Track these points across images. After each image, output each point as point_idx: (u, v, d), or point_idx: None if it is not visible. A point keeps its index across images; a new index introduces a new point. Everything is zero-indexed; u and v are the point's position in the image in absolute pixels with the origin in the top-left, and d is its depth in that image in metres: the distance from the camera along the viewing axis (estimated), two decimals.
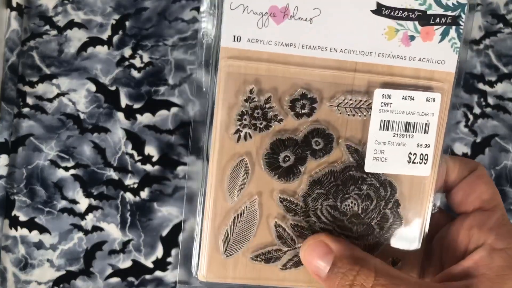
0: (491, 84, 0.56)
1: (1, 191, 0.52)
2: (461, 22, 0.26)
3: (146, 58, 0.56)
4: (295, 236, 0.27)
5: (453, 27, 0.26)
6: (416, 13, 0.25)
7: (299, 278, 0.27)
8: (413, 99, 0.26)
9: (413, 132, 0.26)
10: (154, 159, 0.54)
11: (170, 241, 0.53)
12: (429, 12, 0.25)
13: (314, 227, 0.27)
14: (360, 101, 0.26)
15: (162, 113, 0.55)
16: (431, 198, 0.27)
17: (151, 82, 0.55)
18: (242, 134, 0.26)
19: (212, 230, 0.27)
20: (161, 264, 0.53)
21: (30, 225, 0.53)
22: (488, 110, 0.55)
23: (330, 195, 0.26)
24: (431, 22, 0.25)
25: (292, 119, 0.26)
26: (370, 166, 0.26)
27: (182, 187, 0.54)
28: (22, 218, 0.53)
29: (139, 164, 0.54)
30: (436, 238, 0.28)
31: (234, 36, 0.25)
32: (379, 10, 0.25)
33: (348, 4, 0.25)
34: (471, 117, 0.55)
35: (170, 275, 0.53)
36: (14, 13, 0.55)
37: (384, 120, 0.26)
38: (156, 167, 0.54)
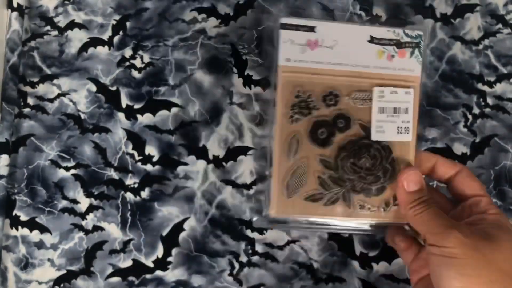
0: (490, 84, 0.56)
1: (2, 191, 0.52)
2: (421, 45, 0.42)
3: (146, 59, 0.56)
4: (331, 183, 0.41)
5: (416, 49, 0.42)
6: (394, 41, 0.41)
7: (334, 213, 0.41)
8: (397, 93, 0.41)
9: (398, 113, 0.41)
10: (155, 159, 0.54)
11: (170, 241, 0.53)
12: (401, 40, 0.41)
13: (342, 177, 0.41)
14: (365, 95, 0.41)
15: (163, 113, 0.55)
16: (413, 154, 0.42)
17: (152, 83, 0.55)
18: (294, 118, 0.41)
19: (278, 181, 0.40)
20: (161, 264, 0.53)
21: (31, 224, 0.53)
22: (487, 110, 0.56)
23: (351, 156, 0.41)
24: (403, 46, 0.41)
25: (324, 108, 0.41)
26: (374, 136, 0.41)
27: (183, 187, 0.54)
28: (23, 218, 0.53)
29: (139, 164, 0.54)
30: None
31: (286, 59, 0.40)
32: (372, 40, 0.41)
33: (354, 37, 0.41)
34: (470, 117, 0.55)
35: (171, 275, 0.53)
36: (15, 14, 0.55)
37: (381, 107, 0.41)
38: (157, 167, 0.54)
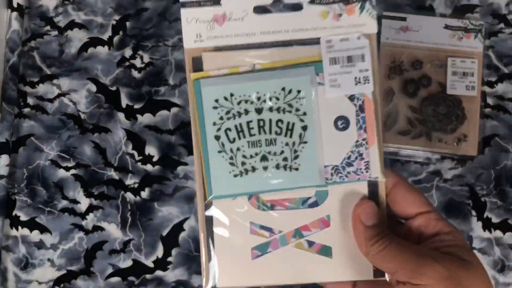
0: (491, 84, 0.56)
1: (2, 191, 0.52)
2: (482, 31, 0.53)
3: (146, 59, 0.56)
4: (417, 123, 0.54)
5: (479, 33, 0.54)
6: (462, 28, 0.54)
7: (419, 144, 0.54)
8: (465, 62, 0.54)
9: (467, 76, 0.55)
10: (155, 159, 0.54)
11: (170, 241, 0.53)
12: (468, 27, 0.53)
13: (426, 119, 0.54)
14: (442, 63, 0.55)
15: (163, 113, 0.55)
16: (478, 105, 0.54)
17: (152, 82, 0.55)
18: (391, 77, 0.55)
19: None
20: (161, 264, 0.53)
21: (31, 225, 0.53)
22: (488, 110, 0.55)
23: (432, 104, 0.54)
24: (469, 31, 0.54)
25: (412, 71, 0.55)
26: (449, 91, 0.54)
27: (183, 187, 0.54)
28: (23, 218, 0.53)
29: (139, 164, 0.54)
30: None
31: (386, 37, 0.56)
32: (446, 27, 0.55)
33: (433, 25, 0.55)
34: None
35: (171, 275, 0.53)
36: (15, 14, 0.55)
37: (453, 71, 0.55)
38: (157, 167, 0.54)
